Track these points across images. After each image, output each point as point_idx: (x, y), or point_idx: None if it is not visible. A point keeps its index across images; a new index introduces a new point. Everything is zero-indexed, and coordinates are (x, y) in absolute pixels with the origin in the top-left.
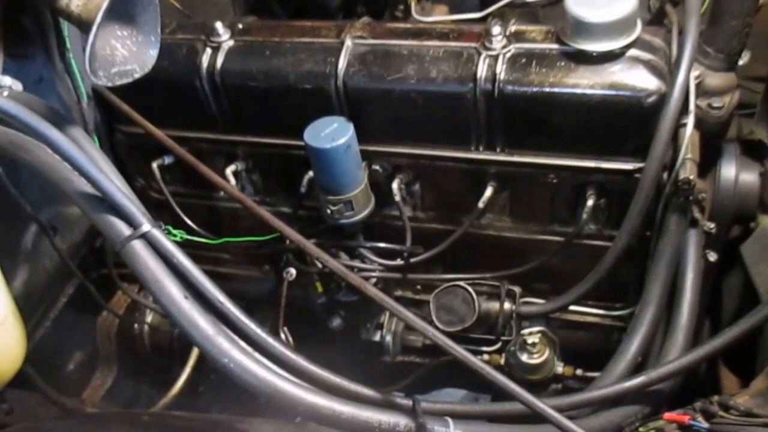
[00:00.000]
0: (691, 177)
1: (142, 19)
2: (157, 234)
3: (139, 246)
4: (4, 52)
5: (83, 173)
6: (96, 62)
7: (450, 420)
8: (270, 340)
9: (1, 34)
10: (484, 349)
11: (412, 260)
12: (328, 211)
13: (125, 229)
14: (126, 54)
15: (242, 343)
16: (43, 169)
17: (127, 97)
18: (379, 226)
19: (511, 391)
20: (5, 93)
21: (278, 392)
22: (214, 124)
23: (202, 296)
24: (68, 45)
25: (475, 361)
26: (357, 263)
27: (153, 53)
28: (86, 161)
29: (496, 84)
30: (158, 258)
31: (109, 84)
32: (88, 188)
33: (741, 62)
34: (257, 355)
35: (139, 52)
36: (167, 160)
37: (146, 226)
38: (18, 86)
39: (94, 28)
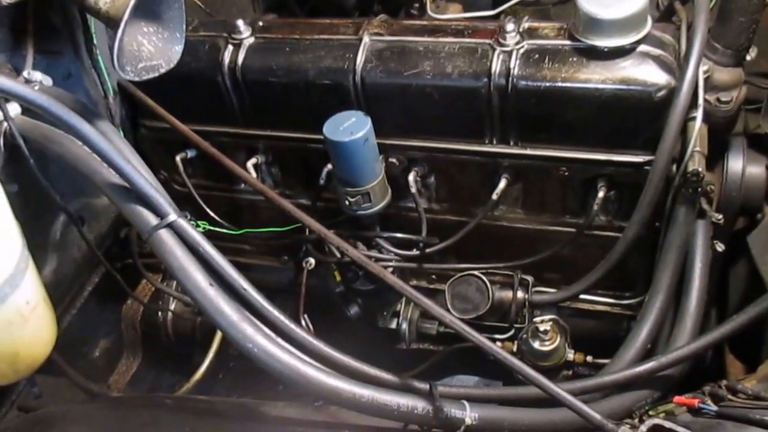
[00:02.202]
0: (700, 169)
1: (168, 16)
2: (183, 223)
3: (165, 235)
4: (34, 48)
5: (112, 165)
6: (123, 57)
7: (466, 403)
8: (292, 326)
9: (31, 32)
10: (497, 336)
11: (428, 250)
12: (347, 203)
13: (152, 219)
14: (152, 50)
15: (266, 329)
16: (74, 161)
17: (150, 92)
18: (396, 218)
19: (527, 375)
20: (36, 87)
21: (301, 376)
22: (235, 119)
23: (226, 283)
24: (95, 42)
25: (492, 346)
26: (374, 253)
27: (178, 49)
28: (115, 153)
29: (510, 79)
30: (184, 247)
31: (136, 78)
32: (117, 179)
33: (748, 58)
34: (280, 340)
35: (165, 47)
36: (190, 153)
37: (173, 216)
38: (48, 81)
39: (122, 25)
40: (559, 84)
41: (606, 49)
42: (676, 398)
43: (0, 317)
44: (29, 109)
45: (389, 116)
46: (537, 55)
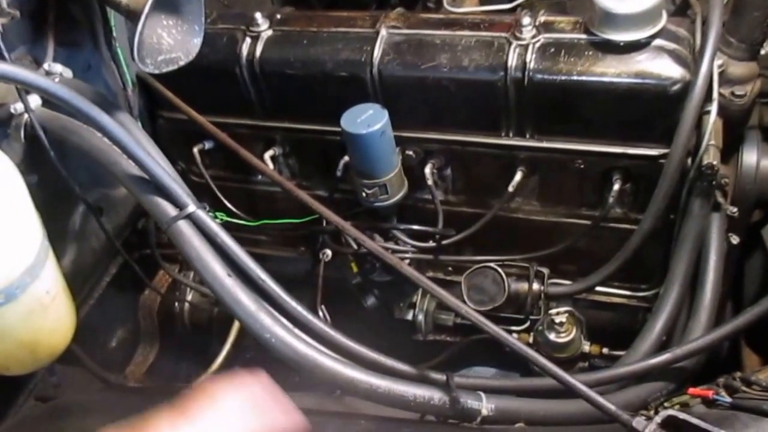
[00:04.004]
0: (715, 162)
1: (187, 9)
2: (202, 215)
3: (184, 226)
4: (54, 40)
5: (132, 156)
6: (143, 50)
7: (482, 394)
8: (309, 316)
9: (52, 24)
10: (513, 328)
11: (444, 242)
12: (363, 195)
13: (171, 210)
14: (171, 42)
15: (283, 320)
16: (93, 152)
17: (169, 84)
18: (412, 209)
19: (543, 366)
20: (56, 79)
21: (318, 366)
22: (253, 111)
23: (244, 274)
24: (115, 34)
25: (509, 337)
26: (391, 245)
27: (197, 42)
28: (135, 145)
29: (526, 72)
30: (203, 237)
31: (156, 71)
32: (136, 171)
33: (762, 52)
34: (298, 331)
35: (184, 40)
36: (207, 144)
37: (191, 207)
38: (68, 73)
39: (143, 18)
40: (575, 77)
41: (621, 43)
42: (691, 390)
43: (21, 307)
44: (49, 100)
45: (406, 109)
46: (553, 49)
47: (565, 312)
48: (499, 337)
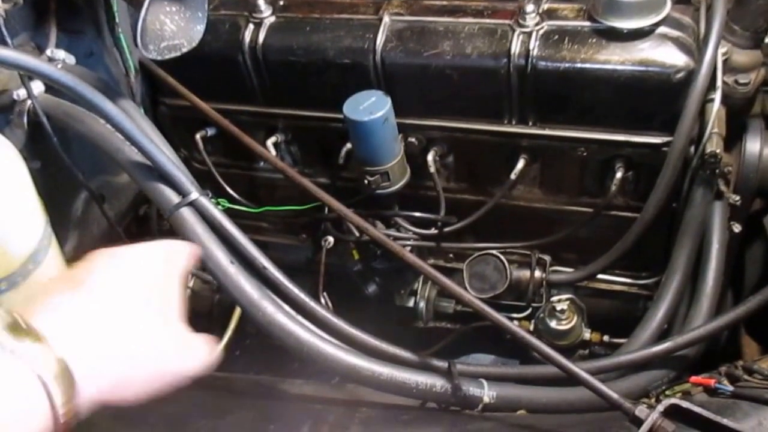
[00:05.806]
0: (718, 151)
1: None
2: (205, 202)
3: (187, 213)
4: (57, 27)
5: (135, 143)
6: (146, 37)
7: (484, 381)
8: (312, 303)
9: (54, 10)
10: (514, 315)
11: (446, 229)
12: (365, 182)
13: (174, 197)
14: (174, 29)
15: (286, 307)
16: (96, 139)
17: (171, 70)
18: (414, 197)
19: (544, 353)
20: (59, 65)
21: (320, 354)
22: (255, 98)
23: (247, 261)
24: (117, 20)
25: (510, 325)
26: (393, 232)
27: (200, 28)
28: (138, 132)
29: (529, 60)
30: (205, 225)
31: (159, 57)
32: (139, 158)
33: (766, 40)
34: (300, 318)
35: (187, 27)
36: (209, 131)
37: (195, 194)
38: (71, 59)
39: (146, 4)
40: (578, 65)
41: (625, 31)
42: (693, 378)
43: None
44: (53, 87)
45: (409, 96)
46: (556, 36)
47: (567, 299)
48: (500, 325)
